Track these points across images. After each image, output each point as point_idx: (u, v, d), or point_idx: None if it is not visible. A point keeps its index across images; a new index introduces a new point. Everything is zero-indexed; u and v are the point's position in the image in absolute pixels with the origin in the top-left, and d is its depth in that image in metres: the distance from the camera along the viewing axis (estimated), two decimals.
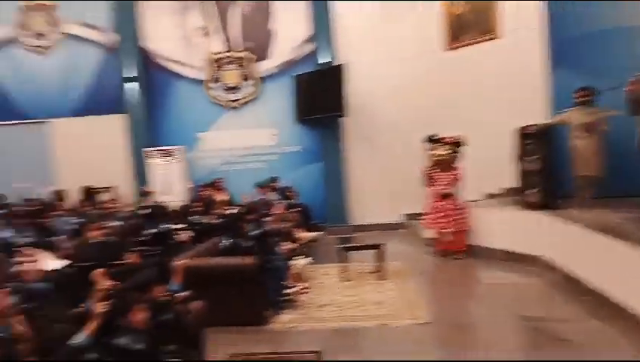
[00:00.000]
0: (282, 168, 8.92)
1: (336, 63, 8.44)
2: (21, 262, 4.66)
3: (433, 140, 6.75)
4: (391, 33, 8.54)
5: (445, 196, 6.52)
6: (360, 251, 6.07)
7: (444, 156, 6.54)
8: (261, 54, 9.03)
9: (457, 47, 8.21)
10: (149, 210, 6.52)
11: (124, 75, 8.90)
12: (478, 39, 7.91)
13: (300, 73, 8.76)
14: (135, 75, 8.92)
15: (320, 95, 8.32)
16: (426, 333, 4.13)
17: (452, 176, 6.53)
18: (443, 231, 6.55)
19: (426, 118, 8.04)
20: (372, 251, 5.91)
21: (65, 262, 4.90)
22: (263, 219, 6.84)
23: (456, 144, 6.58)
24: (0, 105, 9.30)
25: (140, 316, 2.72)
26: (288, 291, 5.03)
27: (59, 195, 7.86)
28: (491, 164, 6.80)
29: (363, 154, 8.82)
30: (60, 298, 4.63)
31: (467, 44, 8.09)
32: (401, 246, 7.31)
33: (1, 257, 3.66)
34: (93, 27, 9.19)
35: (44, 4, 9.25)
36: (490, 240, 6.36)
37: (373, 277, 5.73)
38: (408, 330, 4.17)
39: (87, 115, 9.22)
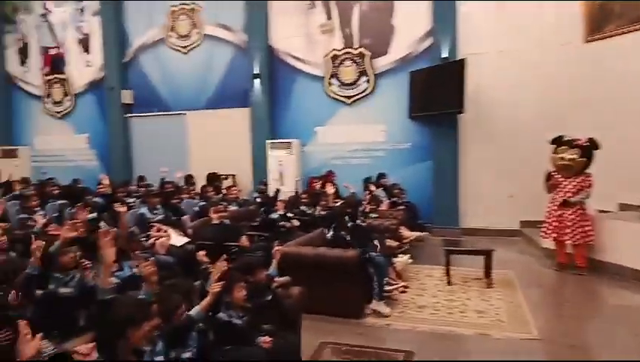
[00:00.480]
0: (391, 165, 8.83)
1: (455, 57, 8.08)
2: (153, 236, 5.35)
3: (561, 142, 6.07)
4: (518, 22, 7.93)
5: (568, 204, 5.86)
6: (467, 256, 5.81)
7: (572, 161, 5.87)
8: (378, 51, 9.02)
9: (599, 39, 7.32)
10: (263, 199, 6.96)
11: (253, 72, 9.53)
12: (625, 29, 6.96)
13: (417, 69, 8.57)
14: (263, 71, 9.51)
15: (437, 91, 8.03)
16: (533, 350, 3.81)
17: (579, 183, 5.83)
18: (561, 241, 5.94)
19: (555, 116, 7.35)
20: (480, 257, 5.60)
21: (187, 240, 5.51)
22: (371, 215, 6.92)
23: (587, 148, 5.83)
24: (149, 98, 10.74)
25: (240, 294, 2.95)
26: (388, 288, 5.02)
27: (188, 179, 8.79)
28: (629, 173, 5.96)
29: (480, 154, 8.32)
30: (180, 271, 5.21)
31: (611, 35, 7.17)
32: (514, 255, 6.80)
33: (135, 231, 4.22)
34: (227, 28, 10.06)
35: (189, 8, 10.36)
36: (619, 256, 5.60)
37: (478, 284, 5.43)
38: (512, 344, 3.89)
39: (218, 108, 10.16)
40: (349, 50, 9.20)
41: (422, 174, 8.69)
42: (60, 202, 6.85)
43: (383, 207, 7.46)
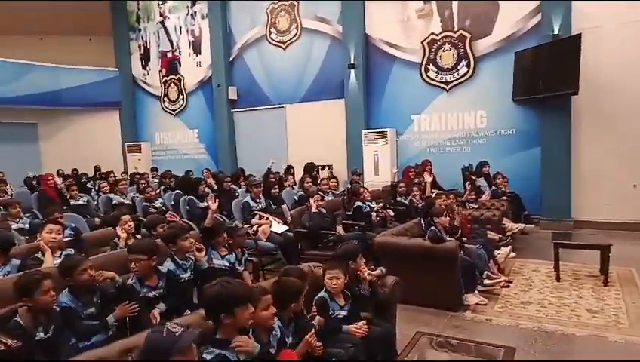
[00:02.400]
0: (492, 153, 8.36)
1: (567, 34, 7.36)
2: (256, 224, 5.73)
3: None
4: None
5: None
6: (580, 250, 5.33)
7: None
8: (479, 32, 8.55)
9: None
10: (358, 188, 7.02)
11: (348, 62, 9.60)
12: None
13: (523, 49, 7.97)
14: (358, 61, 9.54)
15: (547, 71, 7.40)
16: None
17: None
18: None
19: None
20: (595, 252, 5.11)
21: (286, 227, 5.79)
22: (471, 205, 6.66)
23: None
24: (251, 93, 11.37)
25: (340, 282, 2.99)
26: (489, 281, 4.83)
27: (288, 170, 9.18)
28: None
29: (597, 139, 7.51)
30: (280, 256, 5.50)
31: None
32: (637, 250, 6.09)
33: (220, 224, 4.42)
34: (324, 20, 10.24)
35: (289, 4, 10.72)
36: None
37: (592, 282, 4.97)
38: (631, 349, 3.52)
39: (315, 100, 10.42)
40: (448, 33, 8.84)
41: (527, 162, 8.10)
42: (175, 192, 7.59)
43: (484, 197, 7.13)
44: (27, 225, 5.27)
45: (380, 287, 3.38)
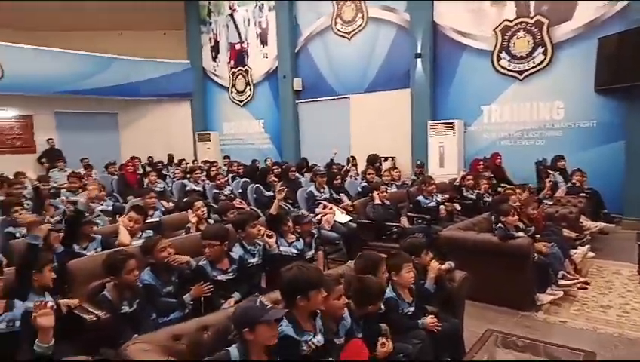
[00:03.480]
0: (569, 146, 7.82)
1: None
2: (320, 213, 5.80)
3: None
4: None
5: None
6: None
7: None
8: (558, 17, 8.01)
9: None
10: (420, 181, 6.89)
11: (415, 52, 9.36)
12: None
13: (607, 35, 7.37)
14: (425, 50, 9.28)
15: (634, 59, 6.81)
16: None
17: None
18: None
19: None
20: None
21: (350, 218, 5.81)
22: (546, 202, 6.33)
23: None
24: (316, 84, 11.45)
25: (409, 276, 2.92)
26: (564, 282, 4.57)
27: (351, 161, 9.18)
28: None
29: None
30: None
31: None
32: None
33: (286, 212, 4.50)
34: (390, 9, 10.06)
35: None
36: None
37: None
38: None
39: (379, 90, 10.30)
40: (523, 19, 8.37)
41: (609, 157, 7.51)
42: (243, 180, 7.86)
43: (560, 193, 6.73)
44: (110, 207, 5.69)
45: (448, 282, 3.30)
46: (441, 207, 5.83)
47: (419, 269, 3.17)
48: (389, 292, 2.87)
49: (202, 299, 3.11)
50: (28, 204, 5.33)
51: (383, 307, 2.73)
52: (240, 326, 2.02)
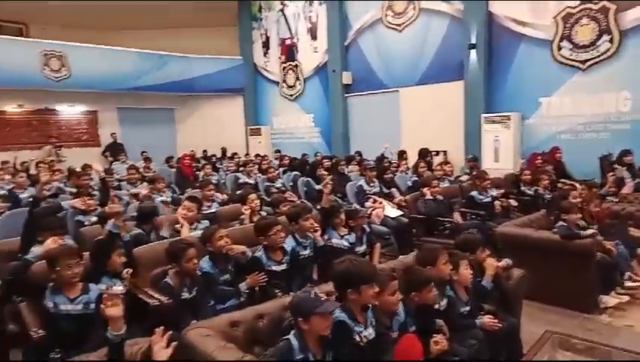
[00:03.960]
0: (638, 139, 7.33)
1: None
2: (370, 207, 5.78)
3: None
4: None
5: None
6: None
7: None
8: (625, 3, 7.49)
9: None
10: (474, 176, 6.70)
11: (469, 42, 9.10)
12: None
13: None
14: (479, 40, 9.00)
15: None
16: None
17: None
18: None
19: None
20: None
21: (401, 212, 5.75)
22: (611, 198, 5.98)
23: None
24: (365, 77, 11.38)
25: (467, 273, 2.88)
26: (631, 284, 4.30)
27: (401, 155, 9.07)
28: None
29: None
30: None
31: None
32: None
33: (338, 205, 4.54)
34: None
35: None
36: None
37: None
38: None
39: (431, 82, 10.08)
40: (588, 5, 7.90)
41: None
42: (294, 173, 7.98)
43: (626, 189, 6.32)
44: (169, 198, 5.95)
45: (505, 280, 3.21)
46: (496, 202, 5.64)
47: (474, 266, 3.10)
48: (448, 291, 2.83)
49: (257, 288, 3.20)
50: (94, 195, 5.67)
51: (440, 304, 2.70)
52: (295, 315, 2.09)
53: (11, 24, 13.23)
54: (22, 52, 11.02)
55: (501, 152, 8.75)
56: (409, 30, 10.47)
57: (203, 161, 10.48)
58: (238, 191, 6.33)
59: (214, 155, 12.06)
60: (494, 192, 5.80)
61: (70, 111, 12.48)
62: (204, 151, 12.55)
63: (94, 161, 7.05)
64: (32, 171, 8.34)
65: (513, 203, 5.90)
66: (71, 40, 11.71)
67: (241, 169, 8.24)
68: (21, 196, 5.94)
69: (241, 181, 7.47)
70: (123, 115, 13.12)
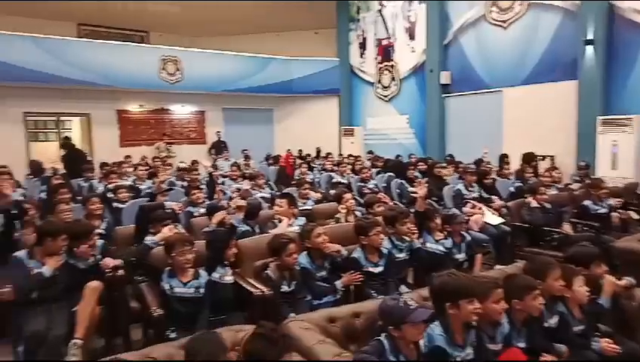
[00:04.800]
0: None
1: None
2: (467, 213, 5.56)
3: None
4: None
5: None
6: None
7: None
8: None
9: None
10: (587, 184, 6.14)
11: (584, 38, 8.34)
12: None
13: None
14: (597, 36, 8.20)
15: None
16: None
17: None
18: None
19: None
20: None
21: (502, 220, 5.46)
22: None
23: None
24: (465, 77, 10.94)
25: (583, 290, 2.66)
26: None
27: (503, 159, 8.56)
28: None
29: None
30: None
31: None
32: None
33: (434, 209, 4.40)
34: None
35: None
36: None
37: None
38: None
39: (539, 82, 9.39)
40: None
41: None
42: (388, 174, 7.93)
43: None
44: (268, 195, 6.25)
45: (626, 300, 2.91)
46: (614, 214, 5.10)
47: (587, 282, 2.86)
48: (561, 308, 2.64)
49: (352, 287, 3.25)
50: (202, 189, 6.14)
51: (552, 322, 2.52)
52: (386, 323, 2.06)
53: (135, 32, 14.89)
54: (144, 57, 12.30)
55: (620, 159, 7.89)
56: (515, 26, 9.85)
57: (299, 161, 10.84)
58: (332, 191, 6.44)
59: (309, 155, 12.40)
60: (612, 202, 5.26)
61: (181, 111, 13.63)
62: (300, 150, 12.96)
63: (202, 158, 7.66)
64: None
65: (634, 215, 5.31)
66: (184, 46, 12.83)
67: (335, 168, 8.38)
68: (141, 187, 6.61)
69: (334, 180, 7.60)
70: (227, 114, 14.06)
